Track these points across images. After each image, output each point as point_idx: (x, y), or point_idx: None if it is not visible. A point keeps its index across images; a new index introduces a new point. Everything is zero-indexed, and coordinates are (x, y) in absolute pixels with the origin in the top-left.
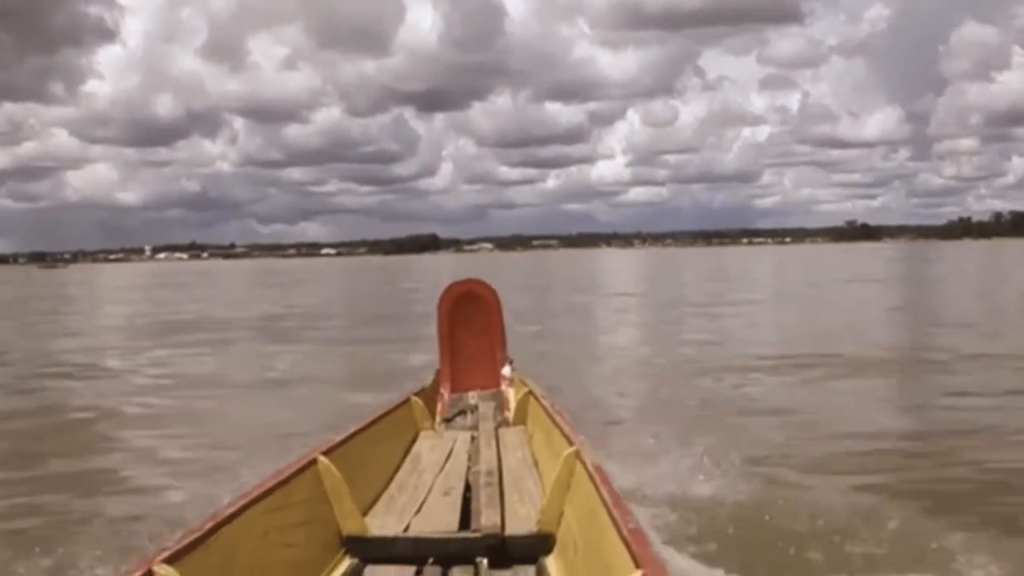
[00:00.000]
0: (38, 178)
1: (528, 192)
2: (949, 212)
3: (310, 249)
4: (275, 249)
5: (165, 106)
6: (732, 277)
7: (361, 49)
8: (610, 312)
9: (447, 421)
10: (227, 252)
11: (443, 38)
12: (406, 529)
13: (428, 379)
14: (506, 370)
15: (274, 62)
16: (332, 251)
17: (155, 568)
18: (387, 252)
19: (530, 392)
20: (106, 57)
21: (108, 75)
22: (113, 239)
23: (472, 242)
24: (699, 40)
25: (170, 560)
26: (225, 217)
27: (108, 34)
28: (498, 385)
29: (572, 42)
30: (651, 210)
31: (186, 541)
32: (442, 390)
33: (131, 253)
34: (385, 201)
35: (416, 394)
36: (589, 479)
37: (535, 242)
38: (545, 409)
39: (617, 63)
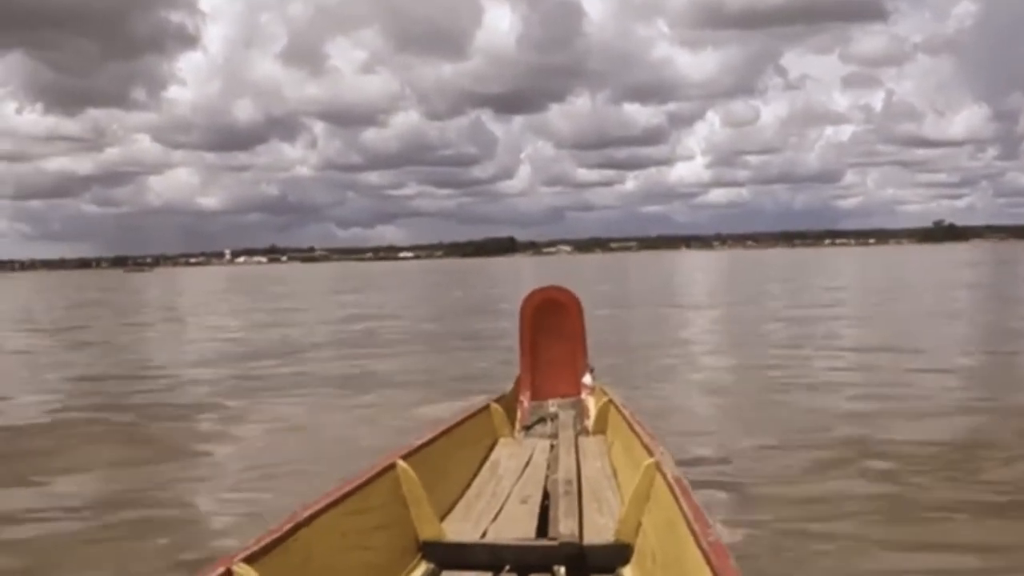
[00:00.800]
0: (121, 183)
1: (606, 194)
2: None
3: (388, 252)
4: (353, 252)
5: (245, 111)
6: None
7: (439, 52)
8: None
9: (526, 428)
10: (306, 256)
11: (521, 40)
12: (483, 535)
13: (508, 386)
14: (587, 378)
15: (352, 66)
16: (409, 254)
17: (234, 568)
18: (464, 255)
19: (610, 401)
20: (187, 63)
21: (189, 81)
22: (193, 243)
23: (550, 244)
24: (780, 39)
25: (249, 560)
26: (303, 221)
27: (190, 40)
28: (578, 393)
29: (651, 42)
30: (731, 211)
31: (265, 542)
32: (522, 397)
33: (211, 257)
34: (462, 204)
35: (496, 400)
36: (669, 490)
37: (613, 244)
38: (625, 419)
39: (696, 63)
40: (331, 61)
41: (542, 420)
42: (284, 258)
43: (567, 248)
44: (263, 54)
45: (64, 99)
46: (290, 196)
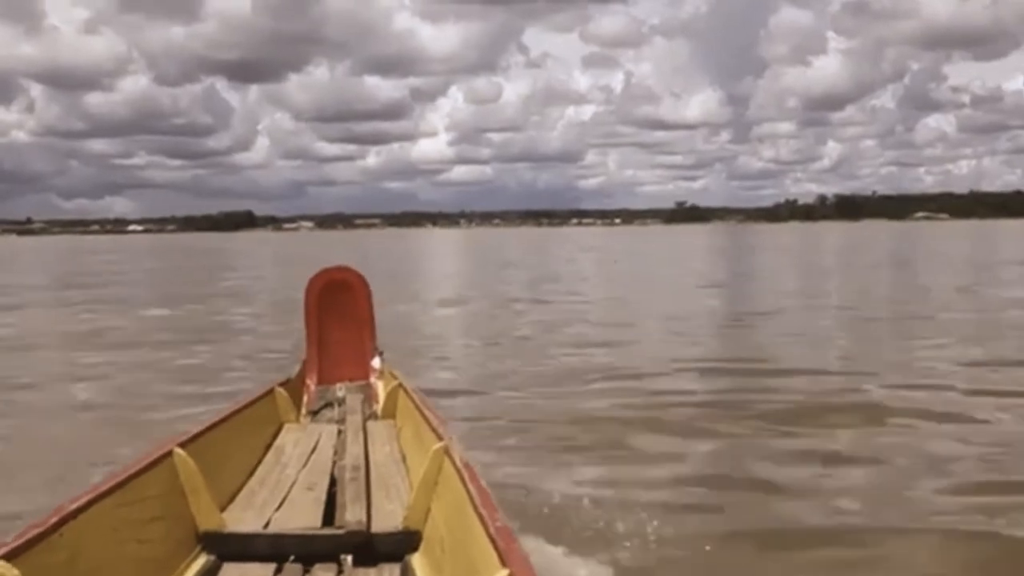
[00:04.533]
0: None
1: (348, 169)
2: (768, 195)
3: (116, 226)
4: (77, 225)
5: None
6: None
7: (168, 13)
8: None
9: (313, 414)
10: (23, 228)
11: (256, 4)
12: (266, 525)
13: (294, 370)
14: (376, 361)
15: (73, 25)
16: (139, 228)
17: None
18: (199, 229)
19: (400, 385)
20: None
21: None
22: None
23: (291, 220)
24: (522, 15)
25: (9, 557)
26: (20, 191)
27: None
28: (367, 377)
29: (392, 13)
30: (476, 189)
31: (27, 536)
32: (308, 381)
33: None
34: (197, 176)
35: (281, 385)
36: (457, 475)
37: (357, 221)
38: (415, 402)
39: (439, 37)
40: (49, 19)
41: (329, 405)
42: None
43: (309, 224)
44: None
45: None
46: (5, 163)
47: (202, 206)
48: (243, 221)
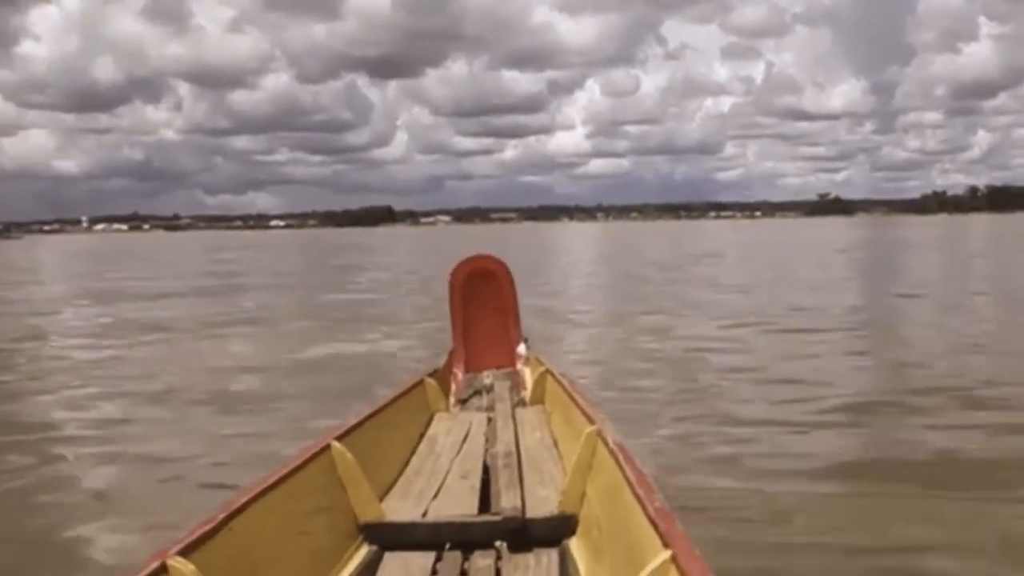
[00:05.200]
0: None
1: (485, 163)
2: (913, 187)
3: (258, 221)
4: (221, 221)
5: (105, 70)
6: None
7: (310, 12)
8: None
9: (462, 402)
10: (170, 223)
11: (396, 2)
12: (424, 514)
13: (441, 359)
14: (521, 348)
15: (219, 24)
16: (281, 223)
17: (169, 561)
18: (339, 224)
19: (547, 371)
20: (41, 17)
21: (44, 36)
22: (50, 210)
23: (429, 214)
24: (660, 7)
25: (184, 552)
26: (169, 187)
27: None
28: (513, 364)
29: (530, 7)
30: (612, 182)
31: (200, 532)
32: (455, 370)
33: (67, 224)
34: (337, 171)
35: (430, 375)
36: (612, 458)
37: (493, 215)
38: (563, 387)
39: (576, 30)
40: (196, 19)
41: (477, 393)
42: (146, 226)
43: (446, 218)
44: (123, 10)
45: None
46: (155, 161)
47: (342, 201)
48: (382, 216)
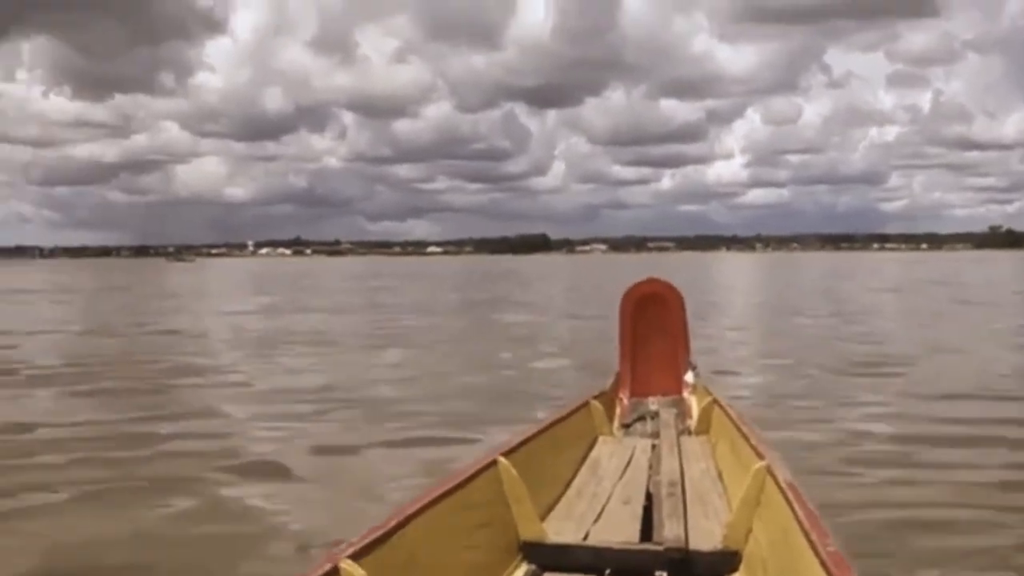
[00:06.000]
0: (147, 171)
1: (642, 192)
2: None
3: (416, 247)
4: (380, 247)
5: (274, 100)
6: None
7: (472, 42)
8: None
9: (626, 427)
10: (331, 249)
11: (556, 31)
12: (585, 537)
13: (607, 382)
14: (689, 376)
15: (384, 55)
16: (438, 249)
17: (341, 564)
18: (495, 251)
19: (714, 400)
20: (215, 49)
21: (218, 67)
22: (218, 234)
23: (584, 242)
24: (824, 34)
25: (355, 556)
26: (332, 213)
27: (217, 25)
28: (680, 391)
29: (690, 36)
30: (770, 212)
31: (371, 538)
32: (621, 394)
33: (234, 248)
34: (494, 199)
35: (595, 397)
36: (782, 496)
37: (650, 244)
38: (731, 418)
39: (737, 58)
40: (362, 49)
41: (642, 418)
42: (308, 251)
43: (602, 247)
44: (292, 41)
45: (91, 84)
46: (318, 188)
47: (498, 229)
48: (538, 243)
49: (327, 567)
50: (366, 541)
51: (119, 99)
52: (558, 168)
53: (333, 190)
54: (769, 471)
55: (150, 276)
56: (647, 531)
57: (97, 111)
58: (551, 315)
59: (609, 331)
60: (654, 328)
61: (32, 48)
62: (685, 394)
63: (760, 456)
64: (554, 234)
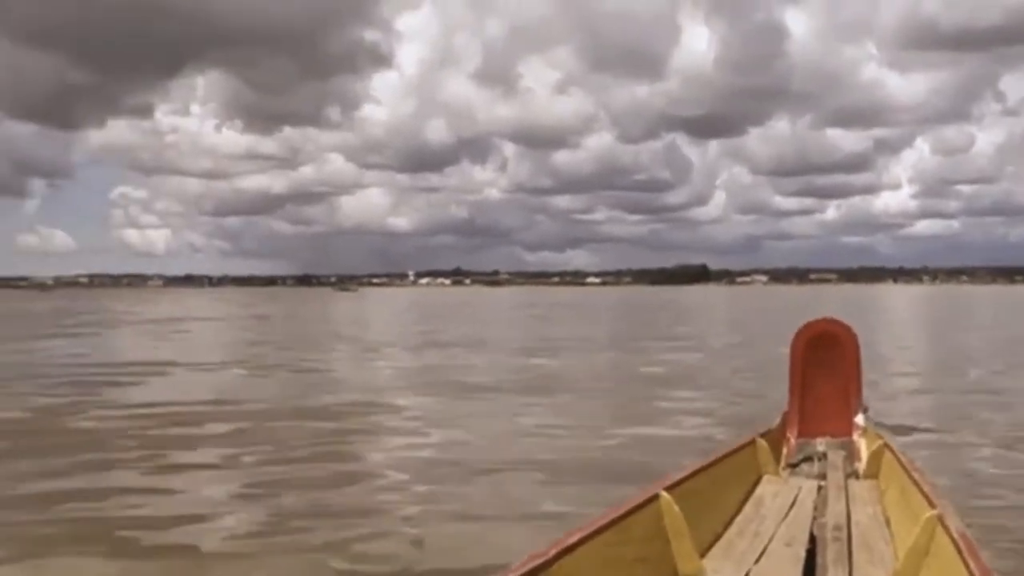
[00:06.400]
0: (313, 203)
1: (805, 223)
2: None
3: (574, 278)
4: (538, 277)
5: (437, 132)
6: None
7: (634, 72)
8: None
9: (792, 467)
10: (490, 279)
11: (720, 60)
12: None
13: (774, 421)
14: (859, 418)
15: (546, 86)
16: (597, 280)
17: None
18: (653, 282)
19: (885, 444)
20: (381, 82)
21: (383, 100)
22: (380, 264)
23: (744, 273)
24: (999, 61)
25: None
26: (491, 244)
27: (383, 59)
28: (850, 433)
29: (858, 64)
30: (939, 244)
31: (531, 565)
32: (788, 434)
33: (395, 278)
34: (654, 230)
35: (762, 435)
36: (953, 547)
37: (812, 275)
38: (902, 464)
39: (906, 86)
40: (524, 81)
41: (809, 459)
42: (468, 281)
43: (762, 278)
44: (456, 74)
45: (261, 117)
46: (478, 219)
47: (657, 259)
48: (697, 274)
49: None
50: (527, 568)
51: (287, 132)
52: (719, 198)
53: (493, 221)
54: (941, 520)
55: (330, 304)
56: (809, 574)
57: (266, 144)
58: (713, 354)
59: (777, 377)
60: (826, 368)
61: (206, 83)
62: (855, 436)
63: (932, 504)
64: (714, 265)
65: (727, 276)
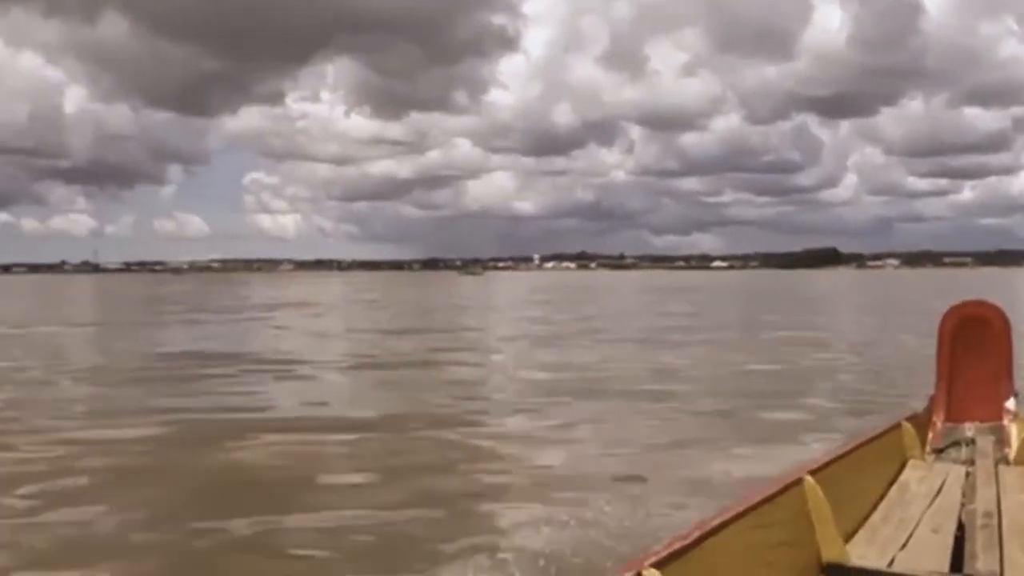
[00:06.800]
0: (440, 187)
1: (939, 204)
2: None
3: (700, 261)
4: (663, 261)
5: (564, 115)
6: None
7: (764, 53)
8: None
9: (938, 452)
10: (615, 263)
11: (852, 39)
12: (891, 563)
13: (921, 404)
14: (1010, 403)
15: (673, 69)
16: (723, 264)
17: (644, 572)
18: (781, 266)
19: None
20: (508, 66)
21: (510, 84)
22: (506, 248)
23: (876, 257)
24: None
25: (658, 565)
26: (616, 227)
27: (510, 43)
28: (999, 418)
29: (996, 40)
30: None
31: (674, 548)
32: (935, 418)
33: (520, 261)
34: (782, 213)
35: (908, 419)
36: None
37: (946, 259)
38: None
39: None
40: (651, 63)
41: (956, 444)
42: (593, 264)
43: (894, 261)
44: (583, 57)
45: (389, 103)
46: (604, 202)
47: (786, 242)
48: (827, 258)
49: (631, 572)
50: (669, 550)
51: (415, 117)
52: (850, 180)
53: (619, 204)
54: None
55: (474, 286)
56: (957, 562)
57: (394, 129)
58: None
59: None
60: (975, 351)
61: (336, 70)
62: (1005, 421)
63: None
64: (845, 248)
65: (858, 260)
